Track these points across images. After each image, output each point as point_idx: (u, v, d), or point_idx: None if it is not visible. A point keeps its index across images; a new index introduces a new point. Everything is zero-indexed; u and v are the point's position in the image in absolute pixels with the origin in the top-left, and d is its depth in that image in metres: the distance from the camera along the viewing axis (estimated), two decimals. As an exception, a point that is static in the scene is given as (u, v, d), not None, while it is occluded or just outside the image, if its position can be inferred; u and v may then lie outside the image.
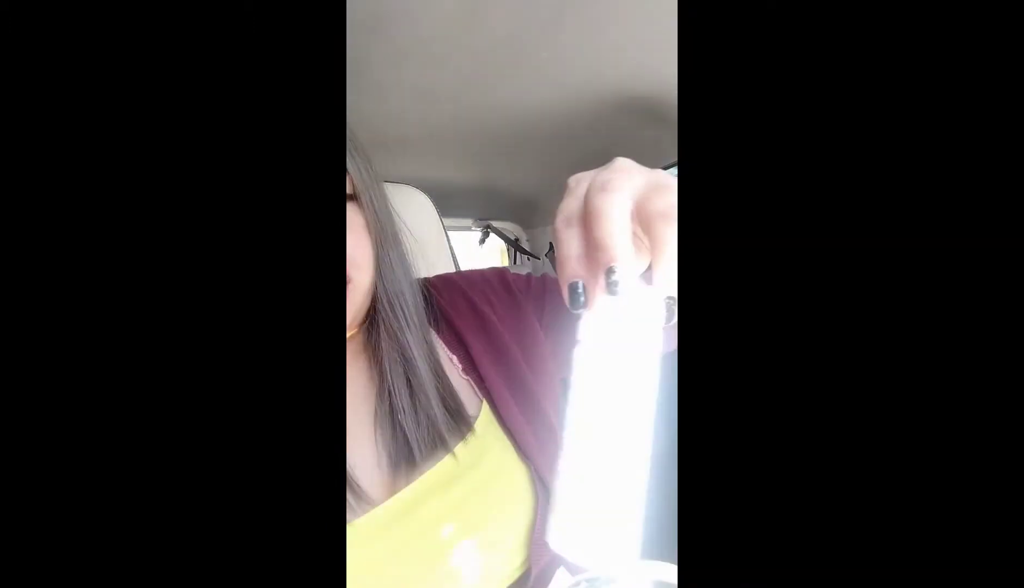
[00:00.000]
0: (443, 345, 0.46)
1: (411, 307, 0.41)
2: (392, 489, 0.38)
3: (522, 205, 2.02)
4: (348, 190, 0.37)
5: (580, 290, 0.24)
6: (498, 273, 0.50)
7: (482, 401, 0.44)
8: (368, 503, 0.37)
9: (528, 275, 0.51)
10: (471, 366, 0.45)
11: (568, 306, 0.25)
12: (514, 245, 2.28)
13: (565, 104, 1.04)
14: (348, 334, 0.43)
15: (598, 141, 1.27)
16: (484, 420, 0.42)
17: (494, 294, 0.48)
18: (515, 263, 2.36)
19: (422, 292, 0.47)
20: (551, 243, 2.22)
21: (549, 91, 0.96)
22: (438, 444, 0.39)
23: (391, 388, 0.39)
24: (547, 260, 2.26)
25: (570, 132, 1.24)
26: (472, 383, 0.45)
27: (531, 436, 0.42)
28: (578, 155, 1.46)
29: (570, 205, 0.25)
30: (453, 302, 0.48)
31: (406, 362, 0.39)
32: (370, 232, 0.37)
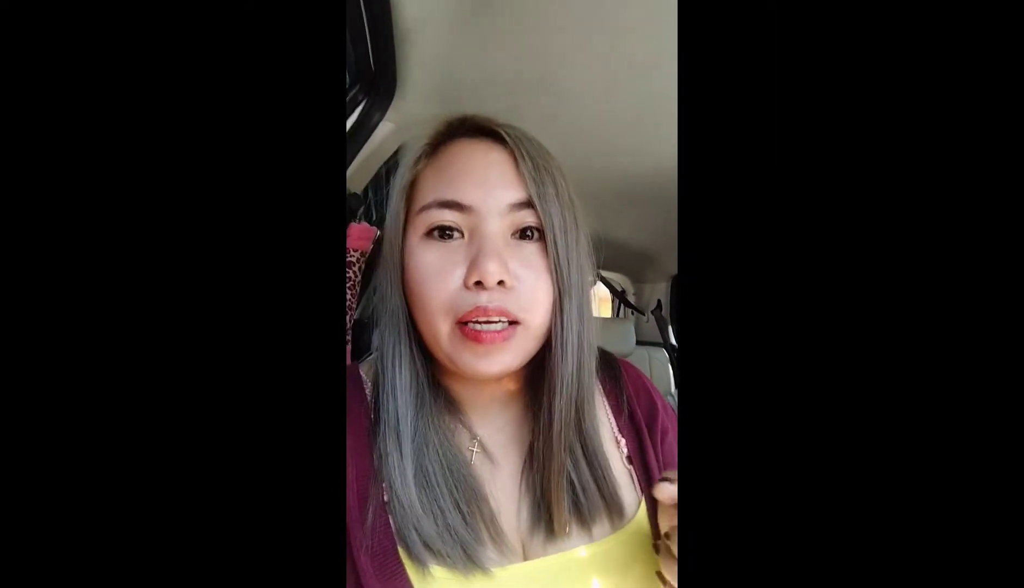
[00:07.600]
0: (614, 423, 0.43)
1: (585, 364, 0.37)
2: (526, 547, 0.36)
3: (634, 258, 2.02)
4: (534, 223, 0.35)
5: None
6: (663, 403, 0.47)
7: (641, 499, 0.39)
8: (511, 553, 0.35)
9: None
10: (639, 456, 0.41)
11: None
12: (619, 297, 2.27)
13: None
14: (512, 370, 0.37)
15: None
16: (641, 519, 0.39)
17: (668, 418, 0.45)
18: (618, 315, 2.34)
19: (612, 365, 0.46)
20: (659, 301, 2.17)
21: (672, 156, 1.00)
22: (582, 525, 0.37)
23: (541, 446, 0.36)
24: (652, 317, 2.20)
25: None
26: (634, 475, 0.41)
27: None
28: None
29: None
30: (637, 391, 0.45)
31: (564, 423, 0.36)
32: (551, 275, 0.35)
